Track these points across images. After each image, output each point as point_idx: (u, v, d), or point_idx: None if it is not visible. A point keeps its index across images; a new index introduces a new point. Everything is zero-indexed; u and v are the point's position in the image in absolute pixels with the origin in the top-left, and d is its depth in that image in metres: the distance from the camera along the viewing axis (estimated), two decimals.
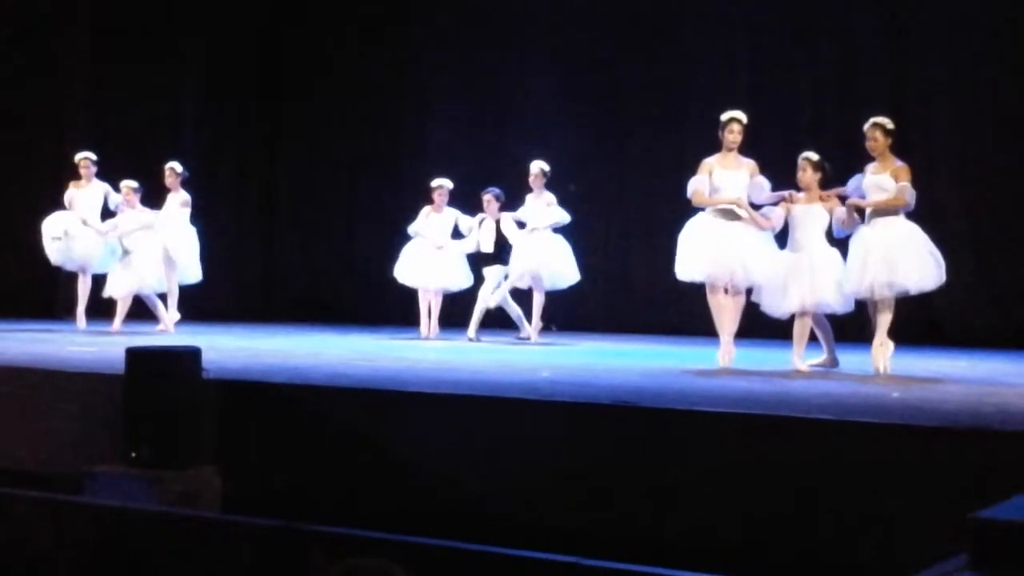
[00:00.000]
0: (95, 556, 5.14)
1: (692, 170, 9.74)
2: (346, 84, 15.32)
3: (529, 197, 11.95)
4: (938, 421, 6.53)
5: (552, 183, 12.04)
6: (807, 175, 9.23)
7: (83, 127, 15.46)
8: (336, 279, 14.60)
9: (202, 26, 15.71)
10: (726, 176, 9.44)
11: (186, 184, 12.62)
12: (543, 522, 6.60)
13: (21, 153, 15.16)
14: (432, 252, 12.52)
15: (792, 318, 9.27)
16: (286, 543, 4.67)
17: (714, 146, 12.79)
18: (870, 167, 9.07)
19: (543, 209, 11.83)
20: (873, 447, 6.23)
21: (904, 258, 8.82)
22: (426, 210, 12.64)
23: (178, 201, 12.51)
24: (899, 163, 9.00)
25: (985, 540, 3.85)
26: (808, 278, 9.08)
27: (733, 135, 9.50)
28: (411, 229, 12.63)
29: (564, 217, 11.84)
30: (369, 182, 14.92)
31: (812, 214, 9.18)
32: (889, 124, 9.04)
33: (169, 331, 12.37)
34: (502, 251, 12.09)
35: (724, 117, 9.56)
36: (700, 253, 9.34)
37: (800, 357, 9.24)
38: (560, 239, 11.95)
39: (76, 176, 12.79)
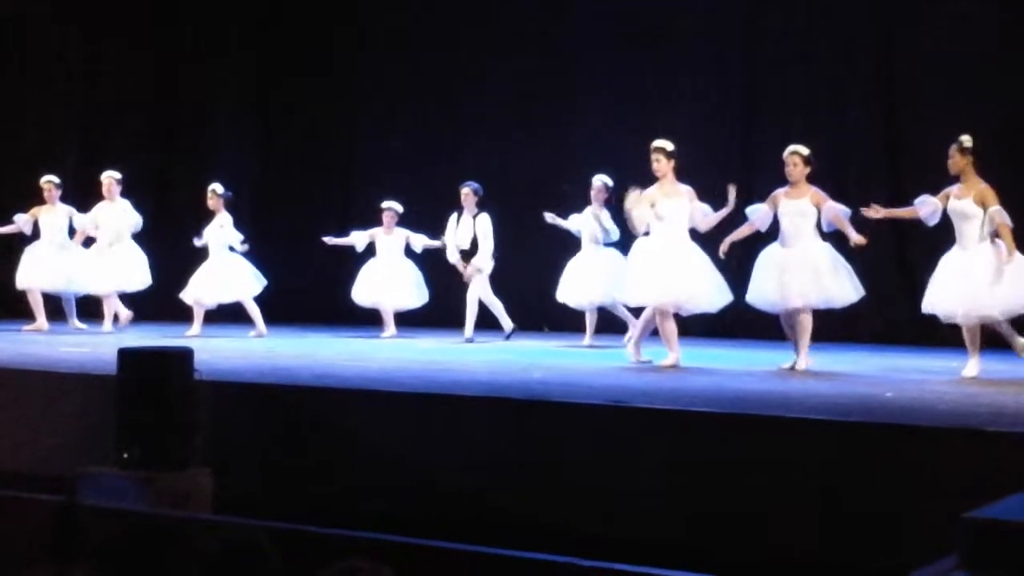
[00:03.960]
0: (88, 557, 5.12)
1: (684, 171, 9.80)
2: (341, 87, 15.30)
3: (588, 209, 11.59)
4: (931, 421, 6.54)
5: (550, 185, 11.99)
6: (796, 169, 9.26)
7: (76, 130, 15.46)
8: (329, 281, 14.55)
9: (200, 29, 15.69)
10: (668, 204, 9.62)
11: (229, 205, 12.57)
12: (537, 522, 6.60)
13: (13, 154, 15.13)
14: (385, 271, 12.80)
15: (779, 316, 9.31)
16: (278, 544, 4.65)
17: (709, 147, 12.81)
18: (954, 189, 8.82)
19: (598, 225, 11.45)
20: (867, 447, 6.23)
21: (1007, 284, 8.65)
22: (377, 232, 12.90)
23: (218, 223, 12.46)
24: (982, 184, 8.74)
25: (977, 540, 3.85)
26: (810, 274, 9.08)
27: (656, 165, 9.69)
28: (358, 245, 12.91)
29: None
30: (362, 184, 14.89)
31: (800, 209, 9.19)
32: (967, 142, 8.78)
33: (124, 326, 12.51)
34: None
35: (651, 146, 9.72)
36: (650, 280, 9.55)
37: (805, 356, 9.24)
38: (612, 254, 11.41)
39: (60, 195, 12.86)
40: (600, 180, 11.62)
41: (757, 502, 6.30)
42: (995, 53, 11.77)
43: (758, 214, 9.33)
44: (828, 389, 8.08)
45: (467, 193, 12.19)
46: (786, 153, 9.33)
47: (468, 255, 12.15)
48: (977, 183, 8.75)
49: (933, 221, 8.97)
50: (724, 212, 9.68)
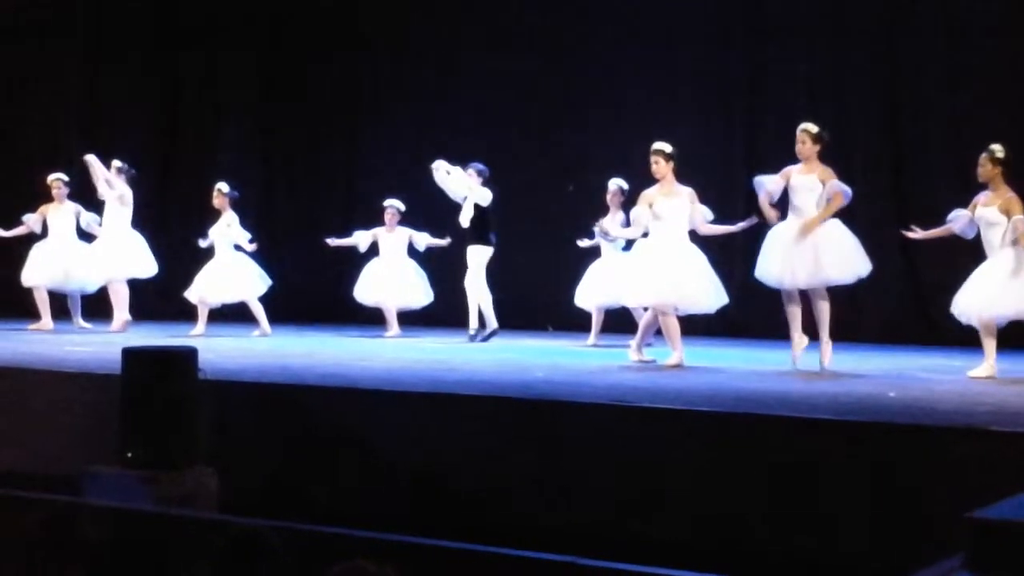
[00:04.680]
0: (92, 556, 5.14)
1: (687, 173, 9.81)
2: (342, 87, 15.31)
3: (607, 218, 11.46)
4: (935, 421, 6.54)
5: (551, 185, 11.92)
6: (806, 147, 9.28)
7: (77, 132, 15.47)
8: (332, 280, 14.59)
9: (201, 28, 15.70)
10: (667, 205, 9.63)
11: (235, 204, 12.56)
12: (539, 522, 6.60)
13: (15, 155, 15.15)
14: (388, 270, 12.86)
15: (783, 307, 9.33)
16: (281, 544, 4.66)
17: (710, 145, 12.78)
18: (981, 197, 8.90)
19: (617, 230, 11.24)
20: (870, 447, 6.23)
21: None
22: (380, 231, 12.95)
23: (224, 222, 12.47)
24: (1010, 193, 8.78)
25: (981, 540, 3.85)
26: (811, 255, 9.07)
27: (655, 167, 9.69)
28: (361, 246, 12.96)
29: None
30: (364, 183, 14.91)
31: (809, 184, 9.20)
32: (1000, 152, 8.82)
33: (124, 329, 12.34)
34: (485, 230, 11.93)
35: (650, 149, 9.71)
36: (647, 280, 9.55)
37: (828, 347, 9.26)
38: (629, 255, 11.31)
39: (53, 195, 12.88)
40: (615, 184, 11.64)
41: (758, 502, 6.31)
42: (996, 38, 11.80)
43: (772, 184, 9.28)
44: (831, 389, 8.08)
45: (471, 174, 11.93)
46: (797, 130, 9.36)
47: (472, 237, 11.97)
48: (1005, 192, 8.80)
49: (971, 234, 9.02)
50: (731, 229, 9.86)
